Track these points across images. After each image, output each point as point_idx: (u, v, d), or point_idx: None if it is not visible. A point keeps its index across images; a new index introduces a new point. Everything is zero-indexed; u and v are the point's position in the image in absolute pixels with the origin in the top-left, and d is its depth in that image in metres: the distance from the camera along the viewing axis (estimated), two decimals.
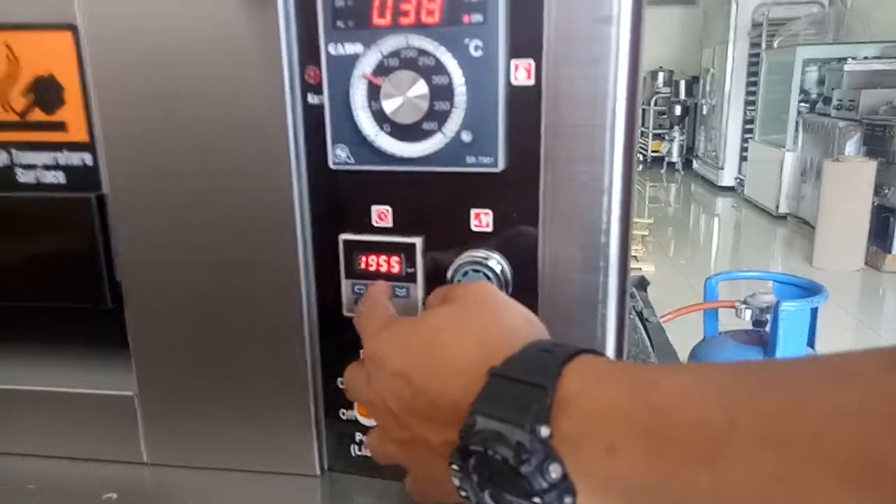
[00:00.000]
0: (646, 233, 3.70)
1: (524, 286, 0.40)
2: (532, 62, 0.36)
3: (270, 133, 0.40)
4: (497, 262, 0.40)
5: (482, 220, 0.40)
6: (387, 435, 0.34)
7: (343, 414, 0.45)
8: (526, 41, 0.36)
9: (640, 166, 7.57)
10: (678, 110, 7.44)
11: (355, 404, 0.45)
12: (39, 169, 0.44)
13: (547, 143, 0.37)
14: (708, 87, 6.75)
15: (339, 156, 0.40)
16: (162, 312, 0.45)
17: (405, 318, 0.36)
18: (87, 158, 0.44)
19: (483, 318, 0.33)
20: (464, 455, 0.28)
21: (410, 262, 0.41)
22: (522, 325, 0.34)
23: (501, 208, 0.39)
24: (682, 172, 7.54)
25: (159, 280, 0.44)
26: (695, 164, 7.41)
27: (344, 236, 0.42)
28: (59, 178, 0.45)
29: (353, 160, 0.40)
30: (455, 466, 0.29)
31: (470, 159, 0.38)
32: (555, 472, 0.26)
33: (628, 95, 0.36)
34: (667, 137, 7.53)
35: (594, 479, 0.26)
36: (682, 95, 7.44)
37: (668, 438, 0.25)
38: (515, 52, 0.36)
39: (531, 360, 0.29)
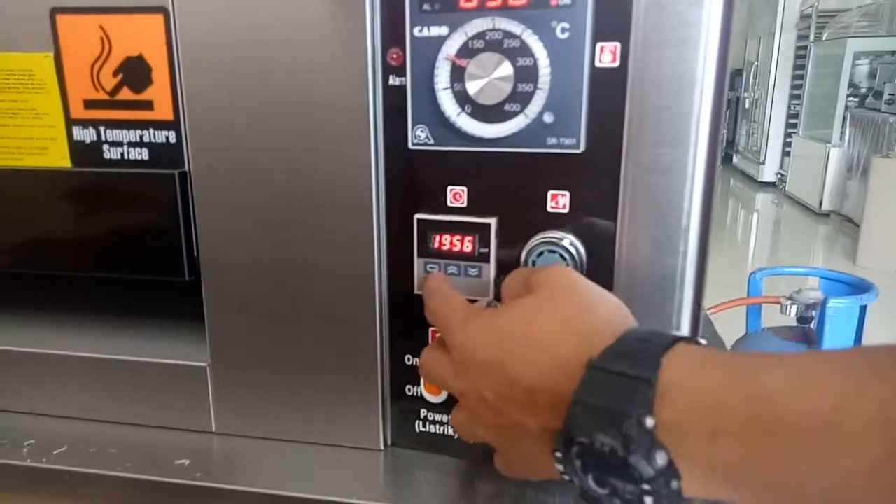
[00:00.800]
0: None
1: (600, 270, 0.40)
2: (618, 45, 0.36)
3: (351, 113, 0.41)
4: (572, 243, 0.40)
5: (559, 201, 0.40)
6: (479, 420, 0.35)
7: (409, 390, 0.46)
8: (613, 24, 0.36)
9: None
10: None
11: (422, 381, 0.46)
12: (125, 146, 0.46)
13: (630, 125, 0.37)
14: (751, 81, 6.60)
15: (418, 136, 0.41)
16: (237, 286, 0.46)
17: (488, 310, 0.36)
18: (172, 136, 0.45)
19: (573, 307, 0.34)
20: (567, 444, 0.29)
21: (484, 242, 0.41)
22: (613, 313, 0.34)
23: (579, 190, 0.39)
24: (722, 167, 7.40)
25: (236, 255, 0.45)
26: (734, 159, 7.26)
27: (419, 215, 0.42)
28: (143, 154, 0.46)
29: (432, 140, 0.41)
30: (558, 454, 0.30)
31: (551, 140, 0.38)
32: (661, 459, 0.27)
33: (716, 79, 0.35)
34: None
35: (698, 464, 0.27)
36: None
37: (772, 426, 0.25)
38: (602, 34, 0.36)
39: (629, 350, 0.30)
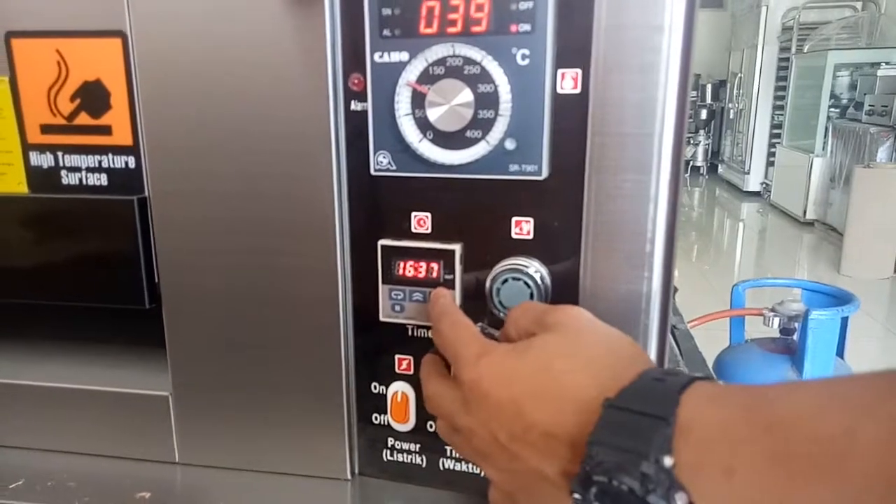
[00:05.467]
0: None
1: (564, 296, 0.39)
2: (579, 71, 0.36)
3: (313, 139, 0.40)
4: (537, 269, 0.39)
5: (523, 227, 0.39)
6: (489, 461, 0.34)
7: (376, 418, 0.45)
8: (574, 50, 0.36)
9: None
10: (704, 114, 7.36)
11: (388, 409, 0.45)
12: (84, 171, 0.45)
13: (593, 151, 0.37)
14: (735, 91, 6.66)
15: (380, 162, 0.40)
16: (199, 313, 0.45)
17: (504, 345, 0.35)
18: (131, 161, 0.44)
19: (596, 350, 0.33)
20: (585, 484, 0.29)
21: (449, 268, 0.41)
22: (632, 354, 0.34)
23: (543, 216, 0.39)
24: (707, 177, 7.45)
25: (197, 281, 0.45)
26: (720, 169, 7.32)
27: (382, 242, 0.42)
28: (102, 180, 0.45)
29: (394, 167, 0.40)
30: (577, 495, 0.29)
31: (513, 167, 0.38)
32: (680, 500, 0.26)
33: (678, 104, 0.35)
34: (692, 141, 7.45)
35: (715, 501, 0.26)
36: (709, 99, 7.35)
37: (786, 454, 0.25)
38: (563, 60, 0.36)
39: (646, 389, 0.30)
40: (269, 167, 0.42)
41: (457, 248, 0.40)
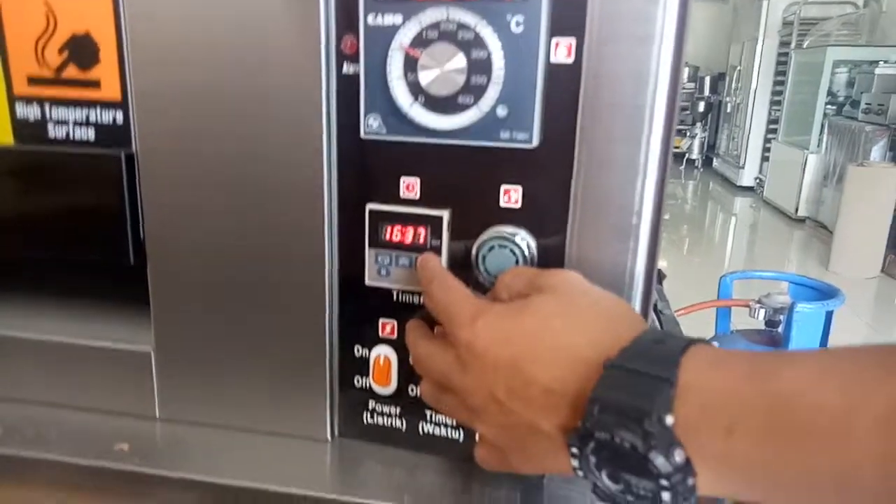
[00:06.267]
0: None
1: (550, 266, 0.39)
2: (573, 40, 0.36)
3: (304, 100, 0.40)
4: (523, 238, 0.39)
5: (511, 196, 0.39)
6: (483, 417, 0.35)
7: (358, 381, 0.46)
8: (569, 19, 0.36)
9: None
10: (701, 107, 7.35)
11: (370, 373, 0.45)
12: (71, 125, 0.45)
13: (584, 121, 0.37)
14: (734, 85, 6.66)
15: (371, 125, 0.40)
16: (183, 271, 0.45)
17: (500, 305, 0.35)
18: (119, 116, 0.44)
19: (593, 311, 0.34)
20: (584, 440, 0.30)
21: (436, 234, 0.41)
22: (628, 317, 0.34)
23: (532, 185, 0.39)
24: (702, 170, 7.47)
25: (183, 239, 0.44)
26: (715, 163, 7.33)
27: (371, 206, 0.42)
28: (89, 134, 0.45)
29: (385, 130, 0.40)
30: (574, 450, 0.30)
31: (504, 134, 0.38)
32: (679, 456, 0.27)
33: (671, 76, 0.35)
34: (688, 134, 7.45)
35: (713, 460, 0.27)
36: (707, 92, 7.34)
37: (787, 422, 0.26)
38: (557, 29, 0.36)
39: (646, 350, 0.30)
40: (259, 128, 0.41)
41: (444, 214, 0.40)
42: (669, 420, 0.28)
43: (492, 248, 0.40)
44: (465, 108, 0.38)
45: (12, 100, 0.44)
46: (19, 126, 0.45)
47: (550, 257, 0.40)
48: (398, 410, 0.46)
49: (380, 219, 0.42)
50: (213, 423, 0.48)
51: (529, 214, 0.40)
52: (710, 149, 7.52)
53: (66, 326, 0.50)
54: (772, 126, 6.02)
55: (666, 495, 0.28)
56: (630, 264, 0.38)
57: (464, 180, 0.40)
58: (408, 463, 0.45)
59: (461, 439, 0.45)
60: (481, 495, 0.43)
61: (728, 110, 6.90)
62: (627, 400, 0.28)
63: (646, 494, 0.29)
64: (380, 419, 0.46)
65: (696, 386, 0.28)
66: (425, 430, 0.45)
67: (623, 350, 0.30)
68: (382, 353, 0.45)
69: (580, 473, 0.31)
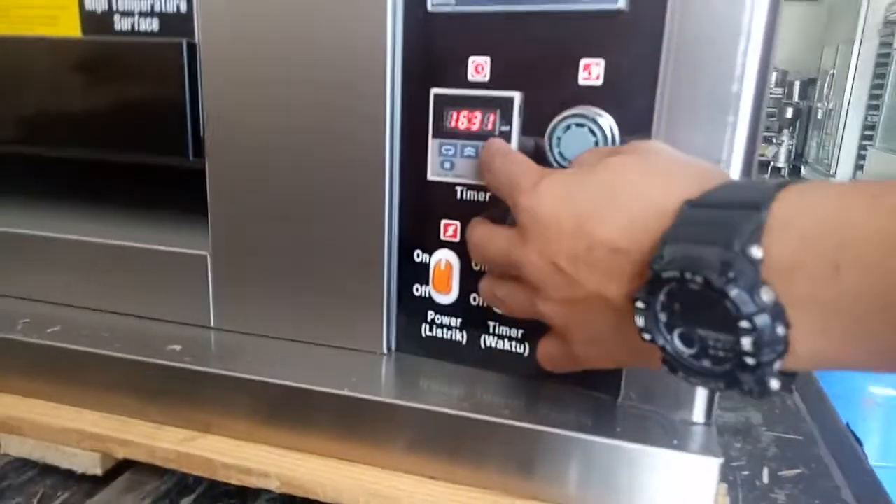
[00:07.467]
0: None
1: None
2: None
3: None
4: (604, 117, 0.35)
5: (592, 71, 0.35)
6: (544, 293, 0.31)
7: (417, 290, 0.42)
8: None
9: None
10: (789, 112, 6.99)
11: (430, 280, 0.42)
12: (136, 16, 0.44)
13: None
14: (826, 90, 6.30)
15: None
16: (242, 171, 0.43)
17: (569, 169, 0.32)
18: (182, 5, 0.42)
19: (673, 163, 0.30)
20: (652, 288, 0.25)
21: (506, 119, 0.37)
22: (714, 169, 0.30)
23: (615, 58, 0.35)
24: (789, 179, 7.10)
25: (242, 137, 0.43)
26: (803, 171, 6.95)
27: (435, 90, 0.38)
28: (153, 25, 0.44)
29: (454, 1, 0.37)
30: (640, 304, 0.26)
31: None
32: (766, 295, 0.22)
33: None
34: (774, 141, 7.10)
35: (814, 307, 0.22)
36: (796, 97, 6.98)
37: None
38: None
39: (736, 188, 0.26)
40: (320, 10, 0.39)
41: (516, 95, 0.37)
42: (756, 252, 0.22)
43: (568, 127, 0.36)
44: None
45: None
46: (87, 19, 0.44)
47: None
48: (458, 322, 0.42)
49: (445, 104, 0.38)
50: (265, 332, 0.46)
51: (612, 93, 0.35)
52: (797, 157, 7.14)
53: (124, 231, 0.49)
54: (867, 132, 5.65)
55: (746, 341, 0.22)
56: (728, 139, 0.33)
57: (538, 56, 0.36)
58: (465, 377, 0.41)
59: (525, 353, 0.41)
60: (547, 419, 0.39)
61: (819, 116, 6.53)
62: (704, 234, 0.23)
63: (725, 356, 0.24)
64: (439, 331, 0.43)
65: (794, 219, 0.23)
66: (487, 343, 0.42)
67: (707, 191, 0.26)
68: (444, 258, 0.41)
69: (647, 337, 0.26)
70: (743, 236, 0.23)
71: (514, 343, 0.41)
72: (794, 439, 0.54)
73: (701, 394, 0.38)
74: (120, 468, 0.44)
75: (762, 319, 0.22)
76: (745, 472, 0.49)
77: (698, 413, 0.38)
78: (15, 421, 0.43)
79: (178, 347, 0.43)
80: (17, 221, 0.51)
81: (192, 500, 0.42)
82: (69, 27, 0.45)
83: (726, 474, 0.48)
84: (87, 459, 0.42)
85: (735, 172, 0.34)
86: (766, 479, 0.48)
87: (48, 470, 0.44)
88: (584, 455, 0.36)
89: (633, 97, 0.35)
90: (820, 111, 6.48)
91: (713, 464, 0.34)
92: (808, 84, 6.94)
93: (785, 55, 6.89)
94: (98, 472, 0.43)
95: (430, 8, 0.37)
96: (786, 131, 7.04)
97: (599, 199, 0.28)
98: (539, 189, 0.30)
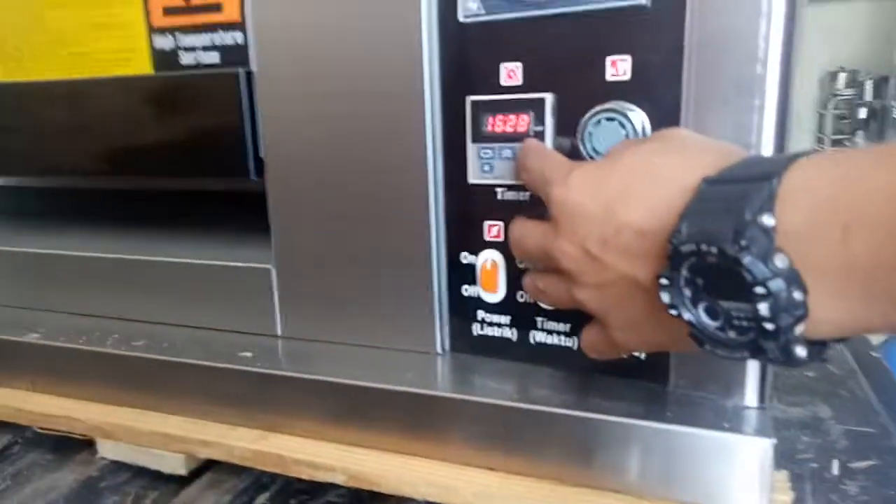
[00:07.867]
0: None
1: None
2: None
3: None
4: (633, 110, 0.36)
5: (619, 67, 0.37)
6: (579, 280, 0.32)
7: (466, 290, 0.44)
8: None
9: None
10: (862, 113, 6.68)
11: (478, 280, 0.44)
12: (198, 50, 0.48)
13: None
14: None
15: (469, 8, 0.39)
16: (299, 186, 0.47)
17: (593, 161, 0.34)
18: (239, 37, 0.47)
19: (696, 146, 0.31)
20: (674, 263, 0.26)
21: (539, 119, 0.39)
22: (737, 150, 0.31)
23: (641, 52, 0.36)
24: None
25: (298, 154, 0.46)
26: None
27: (472, 97, 0.41)
28: (214, 58, 0.48)
29: (483, 10, 0.39)
30: (664, 280, 0.27)
31: None
32: (780, 262, 0.23)
33: None
34: (847, 144, 6.78)
35: (829, 271, 0.23)
36: (869, 97, 6.67)
37: None
38: None
39: (751, 164, 0.27)
40: (361, 32, 0.42)
41: (548, 96, 0.39)
42: (768, 220, 0.23)
43: (598, 122, 0.37)
44: None
45: (151, 32, 0.49)
46: (157, 58, 0.49)
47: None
48: (508, 319, 0.44)
49: (481, 110, 0.41)
50: (328, 339, 0.48)
51: (640, 86, 0.37)
52: None
53: (192, 250, 0.53)
54: None
55: (763, 307, 0.23)
56: (756, 122, 0.34)
57: (567, 57, 0.38)
58: (516, 373, 0.43)
59: (574, 346, 0.42)
60: (599, 407, 0.39)
61: (894, 115, 6.21)
62: (720, 205, 0.24)
63: (748, 325, 0.24)
64: (489, 330, 0.44)
65: (806, 186, 0.23)
66: (537, 339, 0.43)
67: (723, 169, 0.27)
68: (489, 258, 0.43)
69: (674, 313, 0.27)
70: (754, 206, 0.23)
71: (562, 337, 0.42)
72: (866, 432, 0.52)
73: (752, 377, 0.38)
74: (201, 469, 0.47)
75: (776, 284, 0.23)
76: (814, 465, 0.48)
77: (751, 397, 0.38)
78: (109, 426, 0.48)
79: (249, 354, 0.47)
80: (107, 247, 0.56)
81: (268, 496, 0.45)
82: (142, 66, 0.50)
83: (793, 467, 0.47)
84: (173, 460, 0.46)
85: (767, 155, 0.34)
86: (835, 471, 0.47)
87: (139, 472, 0.48)
88: (635, 441, 0.36)
89: (661, 89, 0.36)
90: (895, 110, 6.17)
91: (766, 444, 0.34)
92: (881, 82, 6.62)
93: (852, 53, 6.61)
94: (183, 472, 0.46)
95: (461, 19, 0.40)
96: (860, 133, 6.73)
97: (625, 184, 0.30)
98: (569, 180, 0.32)
